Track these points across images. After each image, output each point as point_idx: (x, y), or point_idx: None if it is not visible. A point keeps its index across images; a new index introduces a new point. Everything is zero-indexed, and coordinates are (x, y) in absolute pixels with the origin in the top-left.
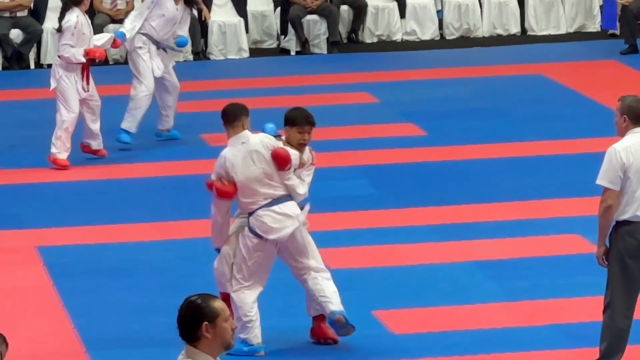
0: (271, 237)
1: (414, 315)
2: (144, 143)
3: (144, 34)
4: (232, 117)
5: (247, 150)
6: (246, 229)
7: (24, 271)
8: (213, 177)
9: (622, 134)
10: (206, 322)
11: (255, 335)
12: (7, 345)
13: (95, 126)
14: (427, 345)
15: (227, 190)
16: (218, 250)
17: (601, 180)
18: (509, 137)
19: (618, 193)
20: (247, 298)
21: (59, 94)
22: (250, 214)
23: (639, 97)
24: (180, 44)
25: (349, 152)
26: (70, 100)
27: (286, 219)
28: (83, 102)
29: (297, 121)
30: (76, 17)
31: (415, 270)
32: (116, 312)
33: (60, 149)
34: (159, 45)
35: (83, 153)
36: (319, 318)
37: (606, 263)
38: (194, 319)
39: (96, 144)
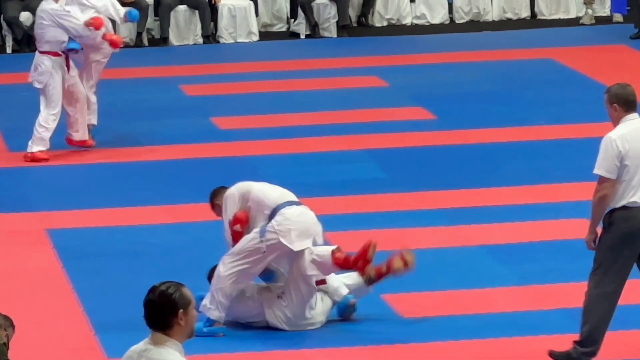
0: (297, 248)
1: (422, 299)
2: (153, 126)
3: None
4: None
5: None
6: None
7: (34, 254)
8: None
9: (617, 124)
10: (181, 310)
11: (221, 315)
12: (14, 328)
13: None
14: (436, 329)
15: (242, 216)
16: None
17: (598, 170)
18: (519, 121)
19: (614, 182)
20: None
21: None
22: (272, 215)
23: (622, 83)
24: (132, 17)
25: (359, 135)
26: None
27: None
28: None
29: None
30: (53, 2)
31: (424, 253)
32: (126, 294)
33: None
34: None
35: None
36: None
37: (595, 248)
38: (170, 307)
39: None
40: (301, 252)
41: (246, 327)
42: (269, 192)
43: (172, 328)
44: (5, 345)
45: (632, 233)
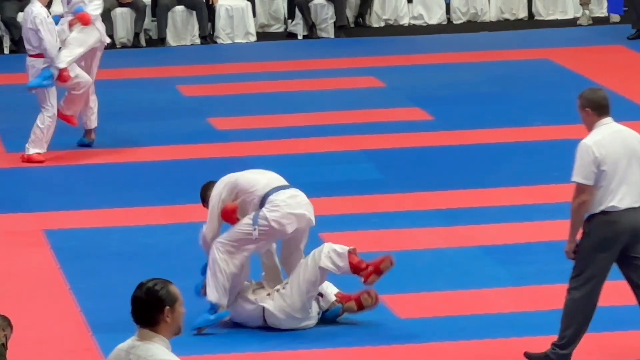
0: (290, 229)
1: (420, 299)
2: (150, 127)
3: None
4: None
5: None
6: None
7: (31, 254)
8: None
9: (591, 129)
10: (167, 307)
11: (228, 299)
12: (12, 328)
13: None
14: (433, 329)
15: (232, 207)
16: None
17: (576, 177)
18: (516, 122)
19: (592, 188)
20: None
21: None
22: (262, 202)
23: (594, 87)
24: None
25: (356, 136)
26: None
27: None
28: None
29: None
30: (40, 7)
31: (421, 254)
32: (123, 295)
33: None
34: None
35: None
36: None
37: (574, 257)
38: (156, 304)
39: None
40: (320, 248)
41: (243, 327)
42: (256, 181)
43: (158, 324)
44: (4, 345)
45: (612, 238)
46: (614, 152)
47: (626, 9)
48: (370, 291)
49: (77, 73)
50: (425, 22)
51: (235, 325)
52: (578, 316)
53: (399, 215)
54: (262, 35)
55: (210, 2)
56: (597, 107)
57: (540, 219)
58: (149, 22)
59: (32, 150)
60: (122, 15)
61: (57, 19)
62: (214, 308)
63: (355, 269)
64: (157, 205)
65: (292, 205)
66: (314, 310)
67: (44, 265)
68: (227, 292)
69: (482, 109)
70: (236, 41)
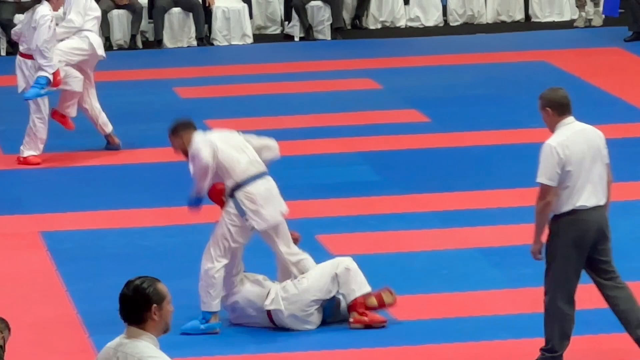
0: (262, 227)
1: (417, 301)
2: (147, 128)
3: None
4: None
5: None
6: (232, 206)
7: (28, 256)
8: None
9: (554, 129)
10: (155, 305)
11: (217, 303)
12: (9, 330)
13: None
14: (430, 331)
15: (221, 188)
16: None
17: (540, 178)
18: (513, 124)
19: (556, 189)
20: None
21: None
22: (236, 189)
23: (554, 87)
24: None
25: (352, 138)
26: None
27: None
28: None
29: None
30: (49, 9)
31: (418, 256)
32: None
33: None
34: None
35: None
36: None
37: (541, 258)
38: (143, 302)
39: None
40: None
41: (240, 328)
42: (236, 162)
43: (146, 322)
44: (2, 348)
45: (581, 236)
46: (578, 152)
47: (622, 11)
48: (390, 289)
49: (66, 71)
50: (422, 24)
51: (233, 325)
52: (558, 318)
53: (395, 217)
54: (259, 37)
55: (207, 4)
56: (558, 107)
57: None
58: (145, 24)
59: (26, 152)
60: (119, 17)
61: None
62: (206, 317)
63: (354, 306)
64: (154, 207)
65: (268, 201)
66: (317, 318)
67: (41, 267)
68: (219, 297)
69: (478, 111)
70: (233, 43)
